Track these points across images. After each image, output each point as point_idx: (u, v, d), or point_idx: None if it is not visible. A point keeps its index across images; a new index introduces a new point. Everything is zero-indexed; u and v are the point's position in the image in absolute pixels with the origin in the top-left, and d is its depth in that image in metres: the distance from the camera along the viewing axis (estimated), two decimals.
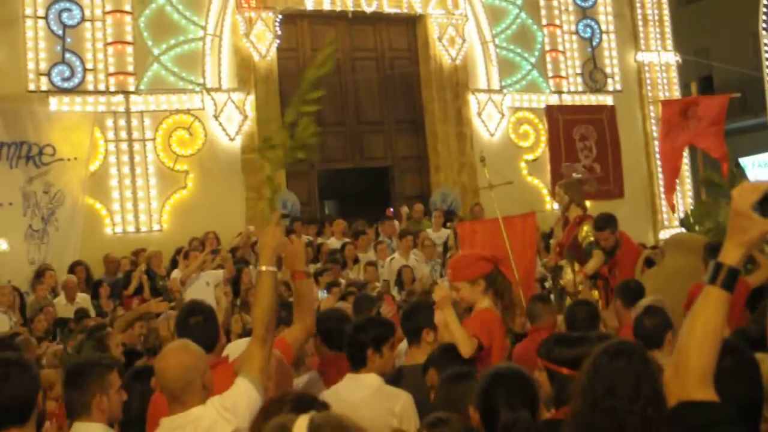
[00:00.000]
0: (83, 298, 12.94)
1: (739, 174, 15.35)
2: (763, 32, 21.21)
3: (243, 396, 3.98)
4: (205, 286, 12.12)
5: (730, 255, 2.42)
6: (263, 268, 4.41)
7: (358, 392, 5.01)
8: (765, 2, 20.89)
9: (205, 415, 3.93)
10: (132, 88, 16.08)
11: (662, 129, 18.41)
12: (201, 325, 4.96)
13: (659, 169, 20.76)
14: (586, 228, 10.85)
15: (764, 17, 21.26)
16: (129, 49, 16.11)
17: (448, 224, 15.81)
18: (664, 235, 18.16)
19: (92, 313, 12.10)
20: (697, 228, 12.38)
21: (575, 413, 2.87)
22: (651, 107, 21.03)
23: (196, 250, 13.35)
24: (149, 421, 4.85)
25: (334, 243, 14.85)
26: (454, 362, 4.86)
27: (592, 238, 10.59)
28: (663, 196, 20.60)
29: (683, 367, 2.39)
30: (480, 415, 3.71)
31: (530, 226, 10.65)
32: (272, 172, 4.66)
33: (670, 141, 17.78)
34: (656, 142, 20.69)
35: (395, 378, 5.31)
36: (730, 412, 2.45)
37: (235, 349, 5.52)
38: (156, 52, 16.39)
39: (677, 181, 18.70)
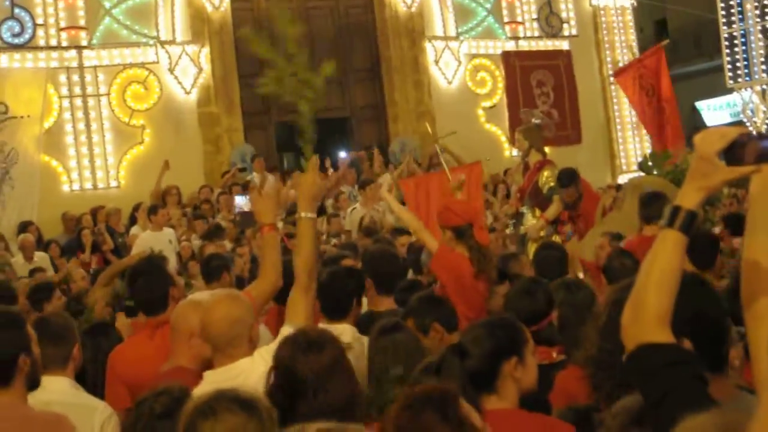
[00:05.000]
0: (41, 257, 12.77)
1: (695, 119, 15.50)
2: None
3: None
4: (168, 244, 12.00)
5: (690, 198, 2.42)
6: (302, 214, 4.41)
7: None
8: None
9: (254, 367, 3.86)
10: (84, 43, 15.81)
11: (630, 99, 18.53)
12: (149, 282, 5.06)
13: (616, 114, 20.89)
14: (546, 173, 10.93)
15: None
16: (80, 2, 15.82)
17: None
18: (622, 179, 18.26)
19: (52, 271, 11.97)
20: (655, 172, 12.45)
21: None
22: (607, 52, 21.05)
23: (160, 206, 13.19)
24: (109, 375, 4.95)
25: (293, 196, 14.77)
26: (432, 310, 4.85)
27: (552, 183, 10.68)
28: (621, 140, 20.78)
29: (642, 309, 2.39)
30: None
31: (476, 175, 10.58)
32: (306, 119, 4.61)
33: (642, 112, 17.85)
34: (612, 87, 20.78)
35: (365, 323, 5.31)
36: (689, 352, 2.47)
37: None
38: (108, 5, 16.10)
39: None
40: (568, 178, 10.31)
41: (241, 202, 12.67)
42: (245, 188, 14.98)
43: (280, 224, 12.92)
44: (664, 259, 2.41)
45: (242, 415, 2.77)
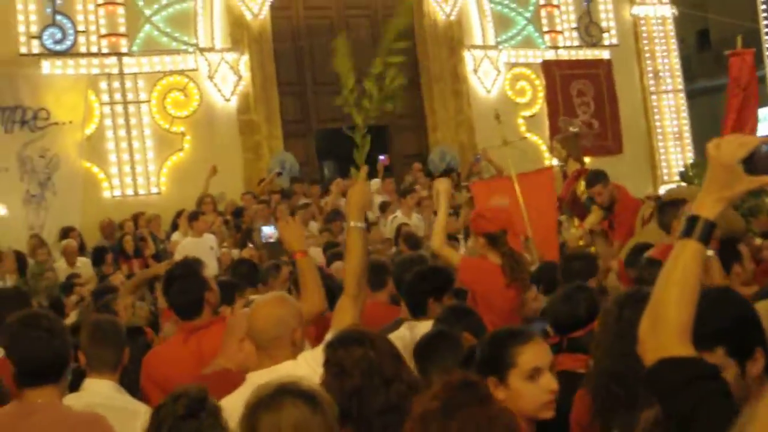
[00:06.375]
0: (84, 263, 12.86)
1: None
2: None
3: None
4: (209, 251, 12.00)
5: (708, 208, 2.36)
6: (352, 224, 4.42)
7: None
8: None
9: (297, 370, 3.80)
10: (125, 50, 15.92)
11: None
12: (185, 286, 5.02)
13: (657, 124, 20.67)
14: (584, 182, 10.82)
15: None
16: (120, 9, 15.92)
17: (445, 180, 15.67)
18: (663, 190, 18.08)
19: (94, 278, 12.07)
20: (696, 182, 12.31)
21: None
22: (648, 61, 20.88)
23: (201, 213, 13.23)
24: (143, 379, 4.95)
25: (339, 203, 14.67)
26: (462, 320, 4.82)
27: None
28: (662, 150, 20.53)
29: (662, 322, 2.33)
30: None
31: (547, 180, 10.43)
32: (362, 126, 4.59)
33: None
34: (654, 97, 20.59)
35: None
36: (713, 366, 2.38)
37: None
38: (148, 12, 16.21)
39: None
40: (594, 176, 10.21)
41: (268, 231, 12.48)
42: (284, 195, 14.99)
43: (322, 233, 12.96)
44: (685, 268, 2.35)
45: (306, 409, 2.77)
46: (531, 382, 3.32)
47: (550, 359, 3.43)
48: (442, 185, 7.17)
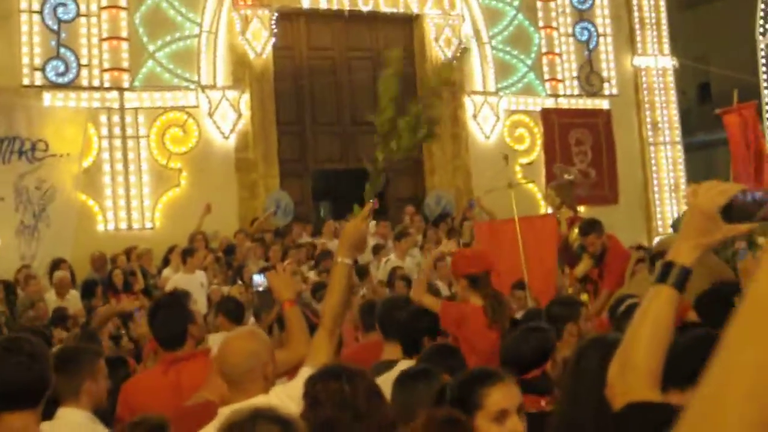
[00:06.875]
0: (73, 295, 12.83)
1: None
2: (760, 37, 21.17)
3: None
4: (199, 287, 11.99)
5: (684, 254, 2.33)
6: (339, 259, 4.39)
7: None
8: (762, 7, 20.87)
9: (268, 404, 3.85)
10: (126, 85, 16.02)
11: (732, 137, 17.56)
12: (169, 317, 5.02)
13: (654, 176, 20.70)
14: (576, 231, 10.82)
15: (761, 21, 21.23)
16: (124, 45, 16.06)
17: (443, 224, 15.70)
18: (657, 241, 18.08)
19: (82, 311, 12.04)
20: None
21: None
22: (647, 113, 20.97)
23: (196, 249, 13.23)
24: (120, 407, 4.94)
25: (331, 245, 14.69)
26: (446, 359, 4.82)
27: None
28: (658, 202, 20.55)
29: (631, 366, 2.30)
30: None
31: (550, 227, 10.41)
32: (380, 164, 4.57)
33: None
34: (652, 148, 20.67)
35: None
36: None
37: (213, 342, 5.61)
38: (151, 48, 16.33)
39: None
40: (589, 226, 10.20)
41: (258, 280, 12.41)
42: (278, 234, 14.98)
43: (311, 273, 12.97)
44: (656, 315, 2.33)
45: (279, 429, 2.74)
46: (497, 424, 3.31)
47: (519, 401, 3.41)
48: (447, 246, 7.26)
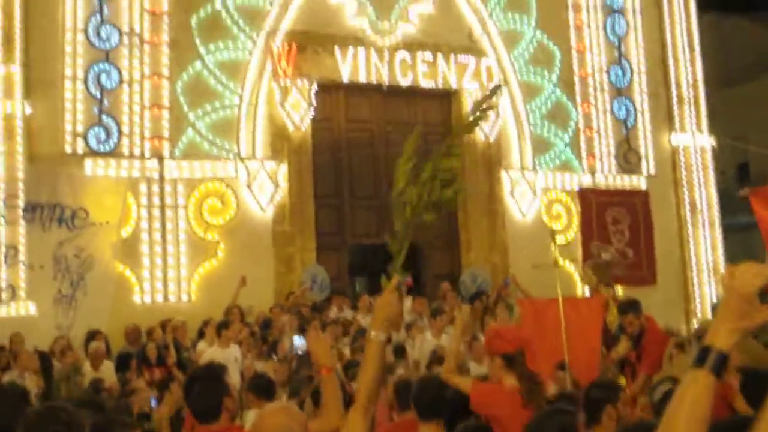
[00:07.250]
0: (108, 366, 12.84)
1: None
2: None
3: None
4: (233, 362, 11.96)
5: (722, 338, 2.31)
6: (373, 334, 4.25)
7: None
8: None
9: None
10: (167, 153, 16.10)
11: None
12: (205, 389, 5.05)
13: (692, 256, 20.45)
14: (614, 311, 10.71)
15: None
16: (165, 113, 16.17)
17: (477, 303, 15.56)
18: (696, 324, 17.90)
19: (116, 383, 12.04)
20: None
21: None
22: (686, 192, 20.82)
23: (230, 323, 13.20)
24: None
25: (365, 321, 14.58)
26: None
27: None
28: (696, 283, 20.27)
29: None
30: None
31: (596, 309, 10.23)
32: (401, 230, 4.43)
33: None
34: (690, 228, 20.48)
35: None
36: None
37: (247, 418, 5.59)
38: (192, 117, 16.42)
39: None
40: (627, 305, 10.16)
41: (298, 342, 12.39)
42: (315, 309, 14.90)
43: (347, 350, 12.86)
44: (693, 400, 2.30)
45: None
46: None
47: None
48: (462, 313, 7.40)
